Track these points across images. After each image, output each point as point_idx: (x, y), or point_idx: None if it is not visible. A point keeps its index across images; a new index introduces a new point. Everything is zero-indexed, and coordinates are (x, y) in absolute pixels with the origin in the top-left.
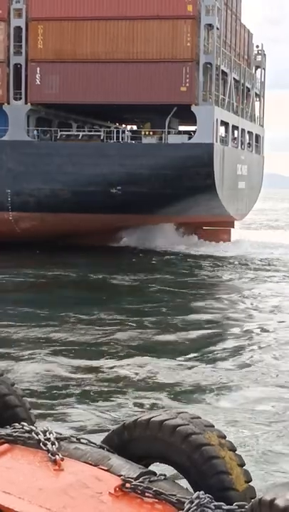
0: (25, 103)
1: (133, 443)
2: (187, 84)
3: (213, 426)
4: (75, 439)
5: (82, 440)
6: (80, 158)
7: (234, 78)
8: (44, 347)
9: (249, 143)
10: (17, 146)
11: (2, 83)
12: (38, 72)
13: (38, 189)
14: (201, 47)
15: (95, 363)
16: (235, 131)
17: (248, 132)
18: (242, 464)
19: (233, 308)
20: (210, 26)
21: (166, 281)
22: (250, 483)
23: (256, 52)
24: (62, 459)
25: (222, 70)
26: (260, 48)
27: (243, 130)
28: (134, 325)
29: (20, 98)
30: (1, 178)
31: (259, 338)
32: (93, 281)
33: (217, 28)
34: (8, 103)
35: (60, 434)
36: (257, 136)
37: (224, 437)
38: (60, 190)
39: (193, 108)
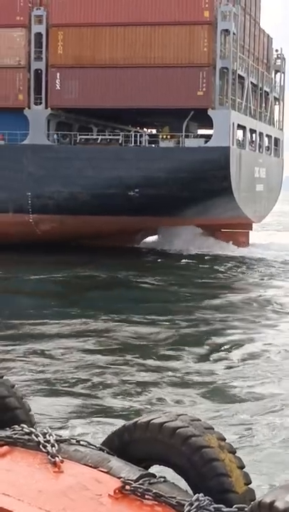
0: (46, 108)
1: (133, 445)
2: (204, 89)
3: (212, 428)
4: (74, 441)
5: (81, 442)
6: (98, 162)
7: (252, 82)
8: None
9: (268, 146)
10: (37, 150)
11: (23, 88)
12: (58, 77)
13: (57, 192)
14: (217, 52)
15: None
16: (253, 135)
17: (267, 136)
18: (242, 467)
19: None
20: (226, 32)
21: (190, 282)
22: (249, 486)
23: (276, 56)
24: (62, 461)
25: (239, 75)
26: (279, 52)
27: (261, 134)
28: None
29: (41, 103)
30: (21, 182)
31: None
32: (125, 282)
33: (234, 34)
34: (29, 108)
35: (60, 436)
36: (276, 140)
37: (224, 439)
38: (79, 193)
39: (210, 112)
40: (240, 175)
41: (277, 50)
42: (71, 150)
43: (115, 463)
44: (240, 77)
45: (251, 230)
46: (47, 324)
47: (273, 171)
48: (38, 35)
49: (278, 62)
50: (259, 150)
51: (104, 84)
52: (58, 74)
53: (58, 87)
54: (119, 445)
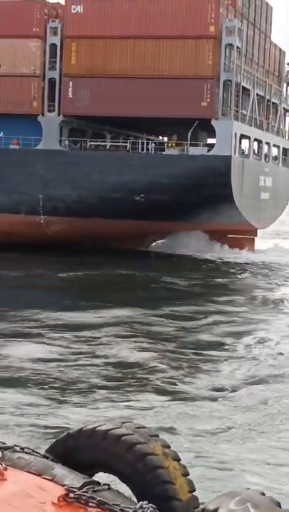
0: (58, 115)
1: (78, 452)
2: (208, 100)
3: (157, 435)
4: (18, 449)
5: (25, 450)
6: (106, 167)
7: (258, 94)
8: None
9: (275, 156)
10: (49, 154)
11: (37, 96)
12: (71, 86)
13: (67, 195)
14: (221, 65)
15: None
16: (260, 145)
17: (275, 146)
18: (186, 474)
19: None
20: (231, 46)
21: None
22: (193, 493)
23: (288, 69)
24: (5, 469)
25: (244, 87)
26: None
27: (268, 144)
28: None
29: (54, 110)
30: (34, 184)
31: None
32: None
33: (238, 48)
34: (43, 114)
35: (4, 444)
36: (285, 150)
37: (168, 447)
38: (87, 197)
39: (213, 122)
40: (242, 183)
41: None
42: (81, 155)
43: (59, 470)
44: (245, 89)
45: (256, 236)
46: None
47: (281, 180)
48: (53, 45)
49: None
50: (265, 160)
51: (114, 93)
52: (71, 83)
53: (71, 96)
54: (64, 452)
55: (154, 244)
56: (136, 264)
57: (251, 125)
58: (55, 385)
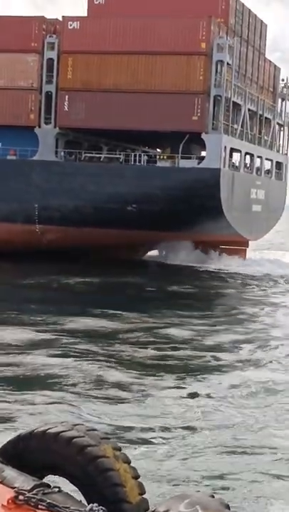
0: (54, 127)
1: (28, 454)
2: (198, 114)
3: (108, 438)
4: None
5: None
6: (100, 178)
7: (250, 109)
8: None
9: (268, 170)
10: (45, 165)
11: (34, 108)
12: (67, 99)
13: (62, 205)
14: (212, 81)
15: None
16: (252, 159)
17: (268, 159)
18: (136, 477)
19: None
20: (221, 62)
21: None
22: (143, 496)
23: (283, 85)
24: None
25: (234, 102)
26: (286, 82)
27: (260, 157)
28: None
29: (50, 122)
30: (30, 194)
31: None
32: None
33: (228, 64)
34: (39, 126)
35: None
36: (279, 164)
37: (119, 449)
38: (82, 206)
39: (203, 136)
40: (232, 195)
41: (283, 80)
42: (76, 166)
43: (9, 473)
44: (237, 104)
45: (247, 247)
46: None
47: (274, 193)
48: (50, 60)
49: (285, 90)
50: (257, 173)
51: (108, 107)
52: (67, 96)
53: (66, 109)
54: (15, 454)
55: (148, 253)
56: (128, 272)
57: (242, 139)
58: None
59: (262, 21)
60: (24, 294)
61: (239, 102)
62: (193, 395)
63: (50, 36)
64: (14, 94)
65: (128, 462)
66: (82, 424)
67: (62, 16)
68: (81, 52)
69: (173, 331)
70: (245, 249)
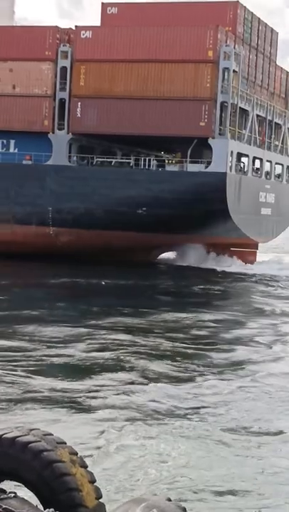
0: (67, 133)
1: None
2: (206, 120)
3: (65, 443)
4: None
5: None
6: (111, 182)
7: (259, 115)
8: None
9: (279, 174)
10: (59, 170)
11: (48, 115)
12: (79, 106)
13: (75, 208)
14: (218, 87)
15: None
16: (260, 163)
17: (278, 164)
18: (93, 481)
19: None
20: (227, 69)
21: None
22: (100, 500)
23: None
24: None
25: (242, 108)
26: None
27: (270, 162)
28: None
29: (63, 128)
30: (44, 197)
31: None
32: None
33: (234, 71)
34: (53, 132)
35: None
36: None
37: (76, 454)
38: (94, 209)
39: (210, 141)
40: (239, 198)
41: None
42: (88, 171)
43: None
44: (244, 110)
45: (257, 249)
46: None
47: (285, 197)
48: (64, 68)
49: None
50: (266, 177)
51: (119, 113)
52: (79, 103)
53: (79, 115)
54: None
55: (161, 256)
56: (143, 273)
57: (250, 144)
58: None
59: (272, 29)
60: (55, 293)
61: (247, 108)
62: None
63: (63, 45)
64: (29, 101)
65: (85, 466)
66: (38, 429)
67: (76, 26)
68: (93, 61)
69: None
70: (255, 252)
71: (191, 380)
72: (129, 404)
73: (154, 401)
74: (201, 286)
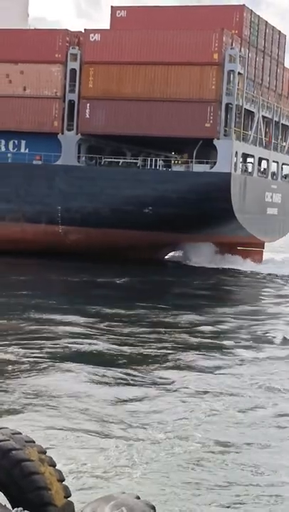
0: (76, 133)
1: None
2: (211, 121)
3: (33, 441)
4: None
5: None
6: (119, 182)
7: (265, 116)
8: None
9: (286, 174)
10: (68, 169)
11: (58, 116)
12: (88, 107)
13: (83, 207)
14: (223, 89)
15: None
16: (270, 164)
17: (286, 164)
18: (61, 480)
19: None
20: (232, 72)
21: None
22: (69, 498)
23: None
24: None
25: (247, 109)
26: None
27: (277, 162)
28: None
29: (72, 129)
30: (53, 196)
31: None
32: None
33: (239, 73)
34: (62, 133)
35: None
36: None
37: (44, 453)
38: (101, 209)
39: (215, 142)
40: (244, 198)
41: None
42: (96, 171)
43: None
44: (249, 111)
45: (263, 248)
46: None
47: None
48: (73, 70)
49: None
50: (273, 177)
51: (127, 114)
52: (88, 104)
53: (88, 116)
54: None
55: (169, 254)
56: (154, 271)
57: (256, 145)
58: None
59: (280, 32)
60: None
61: (252, 109)
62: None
63: (72, 48)
64: (40, 102)
65: (53, 465)
66: (7, 428)
67: (85, 29)
68: (102, 63)
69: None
70: (262, 251)
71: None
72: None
73: None
74: (212, 282)
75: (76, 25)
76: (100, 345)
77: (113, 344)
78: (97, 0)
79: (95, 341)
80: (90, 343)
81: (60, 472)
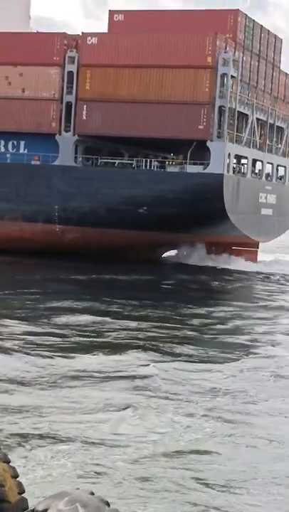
0: (74, 134)
1: None
2: (204, 124)
3: None
4: None
5: None
6: (115, 182)
7: (259, 119)
8: None
9: (281, 176)
10: (65, 170)
11: (55, 117)
12: (85, 109)
13: (80, 206)
14: (216, 92)
15: None
16: (264, 166)
17: (281, 166)
18: (15, 476)
19: None
20: (225, 75)
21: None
22: (23, 495)
23: None
24: None
25: (240, 112)
26: None
27: (271, 164)
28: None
29: (70, 130)
30: (51, 196)
31: None
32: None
33: (233, 77)
34: (60, 134)
35: None
36: None
37: None
38: (97, 208)
39: (208, 143)
40: (237, 199)
41: None
42: (92, 171)
43: None
44: (243, 114)
45: (258, 248)
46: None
47: (287, 198)
48: (70, 73)
49: None
50: (267, 178)
51: (122, 116)
52: (85, 106)
53: (84, 118)
54: None
55: (165, 254)
56: (150, 270)
57: (249, 146)
58: None
59: (276, 36)
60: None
61: (246, 111)
62: None
63: (70, 51)
64: (38, 104)
65: (7, 462)
66: None
67: (82, 32)
68: (98, 66)
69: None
70: (256, 251)
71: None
72: None
73: None
74: (205, 282)
75: (83, 26)
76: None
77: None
78: (105, 1)
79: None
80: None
81: (14, 468)
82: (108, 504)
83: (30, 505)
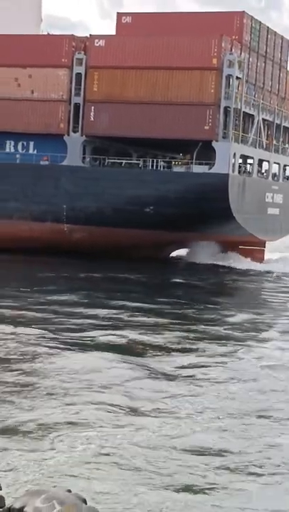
0: (81, 135)
1: None
2: (210, 124)
3: None
4: None
5: None
6: (122, 182)
7: (265, 119)
8: None
9: (288, 176)
10: (73, 170)
11: (64, 118)
12: (92, 110)
13: (87, 206)
14: (222, 93)
15: None
16: (271, 166)
17: (288, 166)
18: None
19: None
20: (231, 76)
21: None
22: None
23: None
24: None
25: (246, 112)
26: None
27: (278, 164)
28: None
29: (77, 131)
30: (59, 196)
31: None
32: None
33: (238, 78)
34: (68, 135)
35: None
36: None
37: None
38: (104, 208)
39: (214, 144)
40: (243, 198)
41: None
42: (100, 171)
43: None
44: (249, 114)
45: (264, 247)
46: None
47: None
48: (78, 74)
49: None
50: (274, 178)
51: (129, 117)
52: (93, 107)
53: (92, 118)
54: None
55: (174, 253)
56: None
57: (256, 147)
58: None
59: (282, 37)
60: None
61: (252, 112)
62: None
63: (78, 53)
64: (47, 105)
65: None
66: None
67: (90, 35)
68: (106, 68)
69: None
70: (263, 250)
71: None
72: None
73: None
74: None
75: (99, 27)
76: None
77: None
78: (120, 1)
79: None
80: None
81: None
82: (85, 501)
83: (7, 502)
